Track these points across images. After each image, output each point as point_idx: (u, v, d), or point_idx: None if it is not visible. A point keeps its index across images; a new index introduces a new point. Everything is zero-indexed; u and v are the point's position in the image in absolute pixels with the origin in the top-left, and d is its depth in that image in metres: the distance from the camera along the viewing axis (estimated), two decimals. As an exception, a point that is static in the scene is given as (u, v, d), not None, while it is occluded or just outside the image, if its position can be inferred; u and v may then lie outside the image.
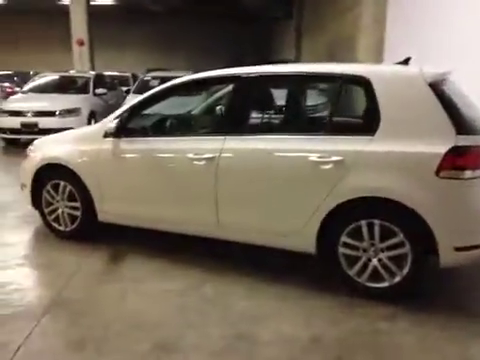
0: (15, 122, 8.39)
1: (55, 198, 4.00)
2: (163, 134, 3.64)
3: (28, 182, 4.09)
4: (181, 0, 15.96)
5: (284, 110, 3.44)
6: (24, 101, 8.98)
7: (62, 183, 3.93)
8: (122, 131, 3.61)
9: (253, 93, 3.32)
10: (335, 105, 3.12)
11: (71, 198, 3.93)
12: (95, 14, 16.76)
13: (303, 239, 3.15)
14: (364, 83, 3.00)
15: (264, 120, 3.40)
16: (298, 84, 3.40)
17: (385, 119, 2.92)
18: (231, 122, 3.36)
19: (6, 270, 3.44)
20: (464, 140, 2.77)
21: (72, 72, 12.42)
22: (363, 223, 2.96)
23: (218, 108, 3.71)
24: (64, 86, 9.93)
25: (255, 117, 3.35)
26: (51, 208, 4.05)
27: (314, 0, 13.95)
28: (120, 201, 3.74)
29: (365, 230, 2.96)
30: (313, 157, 3.00)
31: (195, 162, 3.33)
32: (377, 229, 2.93)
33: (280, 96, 3.39)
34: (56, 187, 3.97)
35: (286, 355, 2.47)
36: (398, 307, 2.93)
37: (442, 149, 2.75)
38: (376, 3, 8.34)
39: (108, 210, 3.80)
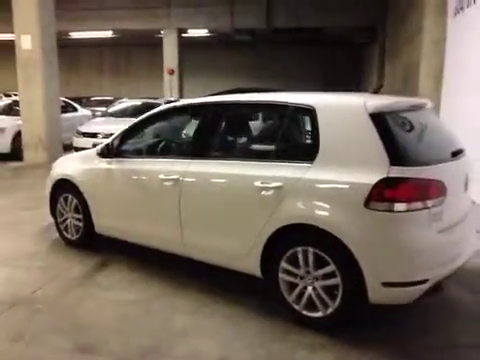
0: (88, 143, 9.40)
1: (65, 209, 4.52)
2: (144, 155, 4.00)
3: (47, 194, 4.69)
4: (266, 29, 16.50)
5: (238, 137, 3.58)
6: (99, 124, 10.04)
7: (70, 196, 4.44)
8: (112, 153, 4.02)
9: (212, 120, 3.53)
10: (284, 133, 3.19)
11: (76, 210, 4.42)
12: (186, 44, 18.08)
13: (250, 262, 3.22)
14: (309, 112, 3.04)
15: (221, 146, 3.57)
16: (253, 112, 3.53)
17: (324, 147, 2.93)
18: (195, 147, 3.61)
19: (3, 268, 3.99)
20: (398, 171, 2.68)
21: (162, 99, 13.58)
22: (299, 250, 2.96)
23: (187, 133, 3.98)
24: (139, 111, 10.86)
25: (214, 143, 3.53)
26: (63, 218, 4.58)
27: (393, 24, 13.59)
28: (110, 216, 4.13)
29: (301, 257, 2.96)
30: (257, 182, 3.10)
31: (165, 182, 3.60)
32: (311, 257, 2.92)
33: (241, 124, 3.52)
34: (66, 200, 4.49)
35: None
36: (332, 338, 2.87)
37: (372, 180, 2.69)
38: (436, 26, 7.97)
39: (101, 223, 4.21)
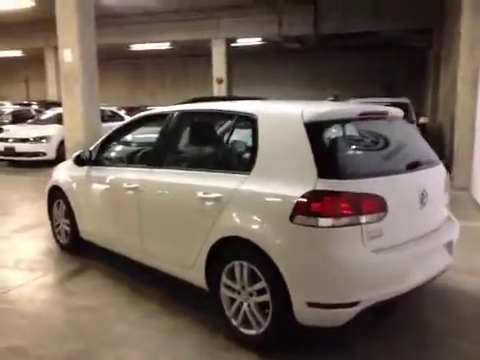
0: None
1: (58, 214, 4.71)
2: (113, 164, 4.09)
3: (46, 199, 4.91)
4: (315, 36, 16.25)
5: (186, 146, 3.52)
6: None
7: (61, 202, 4.62)
8: (89, 161, 4.14)
9: (166, 129, 3.52)
10: (227, 142, 3.11)
11: (66, 216, 4.59)
12: (236, 54, 18.25)
13: (196, 274, 3.16)
14: (252, 121, 2.94)
15: (172, 155, 3.55)
16: (200, 121, 3.46)
17: (260, 158, 2.82)
18: (153, 156, 3.64)
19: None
20: (326, 184, 2.51)
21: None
22: (236, 264, 2.86)
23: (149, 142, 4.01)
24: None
25: (167, 152, 3.53)
26: (56, 223, 4.78)
27: (448, 31, 12.80)
28: (88, 222, 4.25)
29: (237, 271, 2.86)
30: (200, 193, 3.04)
31: (128, 191, 3.64)
32: (245, 272, 2.81)
33: (189, 133, 3.46)
34: (59, 205, 4.68)
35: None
36: (261, 358, 2.73)
37: (298, 192, 2.54)
38: (471, 29, 7.43)
39: (83, 229, 4.34)
